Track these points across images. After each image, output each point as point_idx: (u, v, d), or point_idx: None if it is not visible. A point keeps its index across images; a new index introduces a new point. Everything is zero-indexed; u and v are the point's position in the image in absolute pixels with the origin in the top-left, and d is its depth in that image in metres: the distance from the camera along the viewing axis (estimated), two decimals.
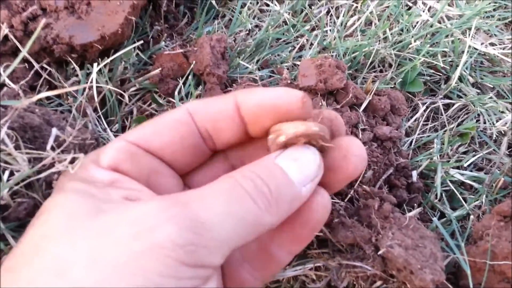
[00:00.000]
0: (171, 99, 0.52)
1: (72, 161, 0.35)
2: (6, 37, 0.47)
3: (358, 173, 0.30)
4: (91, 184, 0.27)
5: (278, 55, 0.59)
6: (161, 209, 0.23)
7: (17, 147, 0.38)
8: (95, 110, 0.49)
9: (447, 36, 0.61)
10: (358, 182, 0.48)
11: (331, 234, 0.38)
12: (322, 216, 0.30)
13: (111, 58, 0.45)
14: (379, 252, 0.36)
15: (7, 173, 0.35)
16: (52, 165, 0.37)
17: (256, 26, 0.62)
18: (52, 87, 0.50)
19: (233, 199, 0.25)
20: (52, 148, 0.34)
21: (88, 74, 0.49)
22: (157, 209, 0.23)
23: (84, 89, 0.48)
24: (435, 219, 0.47)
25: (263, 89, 0.31)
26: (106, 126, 0.47)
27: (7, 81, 0.46)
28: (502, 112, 0.56)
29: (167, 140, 0.29)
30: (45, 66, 0.49)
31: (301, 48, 0.60)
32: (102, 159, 0.28)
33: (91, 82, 0.47)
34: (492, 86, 0.60)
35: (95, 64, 0.44)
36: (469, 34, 0.58)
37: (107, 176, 0.27)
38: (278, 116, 0.29)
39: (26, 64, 0.49)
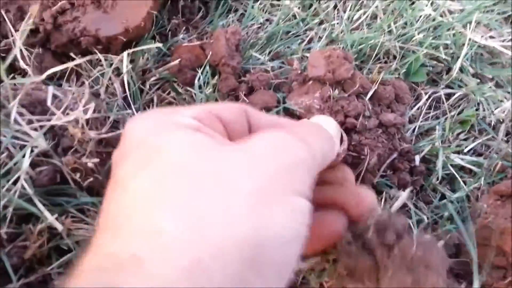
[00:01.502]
0: (189, 88, 0.55)
1: (86, 111, 0.39)
2: (37, 29, 0.51)
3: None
4: (193, 125, 0.26)
5: (288, 47, 0.62)
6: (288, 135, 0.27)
7: (30, 122, 0.41)
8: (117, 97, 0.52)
9: (448, 29, 0.64)
10: (364, 169, 0.51)
11: (329, 265, 0.37)
12: (332, 234, 0.33)
13: (138, 48, 0.49)
14: None
15: (28, 148, 0.38)
16: (63, 127, 0.40)
17: (267, 20, 0.65)
18: (78, 76, 0.54)
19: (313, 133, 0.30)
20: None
21: (111, 65, 0.52)
22: (284, 134, 0.26)
23: (107, 77, 0.51)
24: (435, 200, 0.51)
25: None
26: (133, 111, 0.50)
27: (22, 63, 0.49)
28: (501, 101, 0.60)
29: (236, 118, 0.30)
30: (72, 56, 0.52)
31: (310, 40, 0.63)
32: (185, 112, 0.27)
33: (114, 71, 0.51)
34: (491, 77, 0.63)
35: (125, 54, 0.47)
36: (469, 28, 0.61)
37: (197, 123, 0.26)
38: None
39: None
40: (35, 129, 0.38)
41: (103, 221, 0.22)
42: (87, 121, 0.41)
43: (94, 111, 0.42)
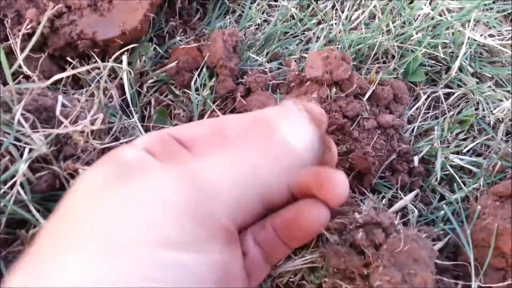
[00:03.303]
0: (186, 90, 0.55)
1: (92, 122, 0.39)
2: (34, 33, 0.51)
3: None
4: (120, 158, 0.27)
5: (286, 48, 0.62)
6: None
7: (34, 128, 0.42)
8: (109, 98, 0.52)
9: (447, 28, 0.64)
10: (362, 171, 0.51)
11: (325, 262, 0.37)
12: (316, 225, 0.32)
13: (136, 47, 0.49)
14: None
15: (26, 150, 0.39)
16: (67, 136, 0.40)
17: (265, 20, 0.65)
18: (75, 79, 0.54)
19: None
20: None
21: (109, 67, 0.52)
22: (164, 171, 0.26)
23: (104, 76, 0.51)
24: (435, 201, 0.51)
25: None
26: (132, 113, 0.50)
27: (25, 69, 0.49)
28: (500, 100, 0.59)
29: (197, 135, 0.30)
30: (69, 60, 0.53)
31: (308, 41, 0.63)
32: (137, 142, 0.29)
33: (112, 73, 0.51)
34: (490, 76, 0.62)
35: (124, 57, 0.47)
36: (468, 26, 0.61)
37: (137, 154, 0.28)
38: None
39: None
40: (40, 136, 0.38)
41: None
42: (92, 130, 0.41)
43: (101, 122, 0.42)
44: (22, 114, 0.41)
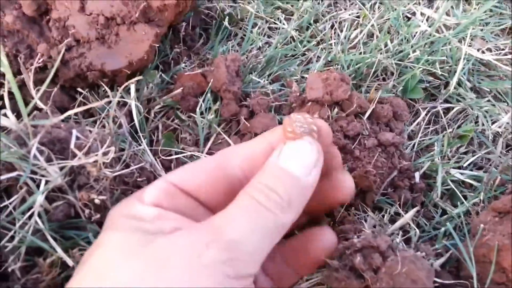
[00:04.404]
0: (192, 114, 0.57)
1: (106, 153, 0.41)
2: (45, 66, 0.54)
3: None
4: (139, 218, 0.31)
5: (287, 69, 0.64)
6: (203, 237, 0.28)
7: (49, 159, 0.44)
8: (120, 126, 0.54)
9: (445, 44, 0.65)
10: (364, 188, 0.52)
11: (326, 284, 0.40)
12: (324, 252, 0.36)
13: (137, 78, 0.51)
14: None
15: (43, 182, 0.41)
16: (80, 166, 0.42)
17: (266, 43, 0.67)
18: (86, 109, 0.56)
19: (253, 215, 0.30)
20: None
21: (117, 95, 0.54)
22: (199, 237, 0.28)
23: (113, 106, 0.54)
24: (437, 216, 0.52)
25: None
26: (142, 140, 0.52)
27: (39, 102, 0.52)
28: (499, 114, 0.60)
29: (201, 183, 0.34)
30: (79, 90, 0.55)
31: (309, 61, 0.65)
32: (145, 197, 0.32)
33: (120, 100, 0.53)
34: (489, 90, 0.64)
35: (132, 86, 0.49)
36: (464, 42, 0.62)
37: (153, 211, 0.31)
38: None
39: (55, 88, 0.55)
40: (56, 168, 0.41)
41: None
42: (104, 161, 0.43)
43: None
44: (37, 148, 0.43)
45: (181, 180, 0.34)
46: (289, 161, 0.32)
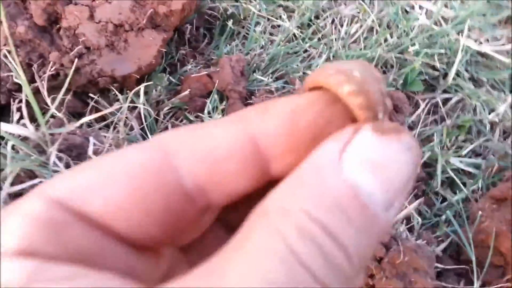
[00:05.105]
0: (200, 114, 0.59)
1: None
2: (57, 73, 0.56)
3: None
4: None
5: (290, 66, 0.66)
6: None
7: (67, 165, 0.47)
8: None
9: (443, 36, 0.67)
10: None
11: None
12: None
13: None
14: None
15: None
16: None
17: (269, 40, 0.69)
18: (98, 111, 0.59)
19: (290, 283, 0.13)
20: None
21: (127, 99, 0.57)
22: None
23: (125, 110, 0.56)
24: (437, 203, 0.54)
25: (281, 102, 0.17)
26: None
27: (54, 110, 0.54)
28: (496, 103, 0.62)
29: (119, 199, 0.16)
30: (91, 95, 0.57)
31: (311, 58, 0.67)
32: (6, 242, 0.14)
33: (131, 103, 0.55)
34: (487, 79, 0.66)
35: (141, 90, 0.52)
36: (461, 34, 0.64)
37: (21, 272, 0.14)
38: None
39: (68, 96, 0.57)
40: None
41: None
42: None
43: None
44: (55, 155, 0.46)
45: (76, 194, 0.16)
46: (367, 175, 0.14)
